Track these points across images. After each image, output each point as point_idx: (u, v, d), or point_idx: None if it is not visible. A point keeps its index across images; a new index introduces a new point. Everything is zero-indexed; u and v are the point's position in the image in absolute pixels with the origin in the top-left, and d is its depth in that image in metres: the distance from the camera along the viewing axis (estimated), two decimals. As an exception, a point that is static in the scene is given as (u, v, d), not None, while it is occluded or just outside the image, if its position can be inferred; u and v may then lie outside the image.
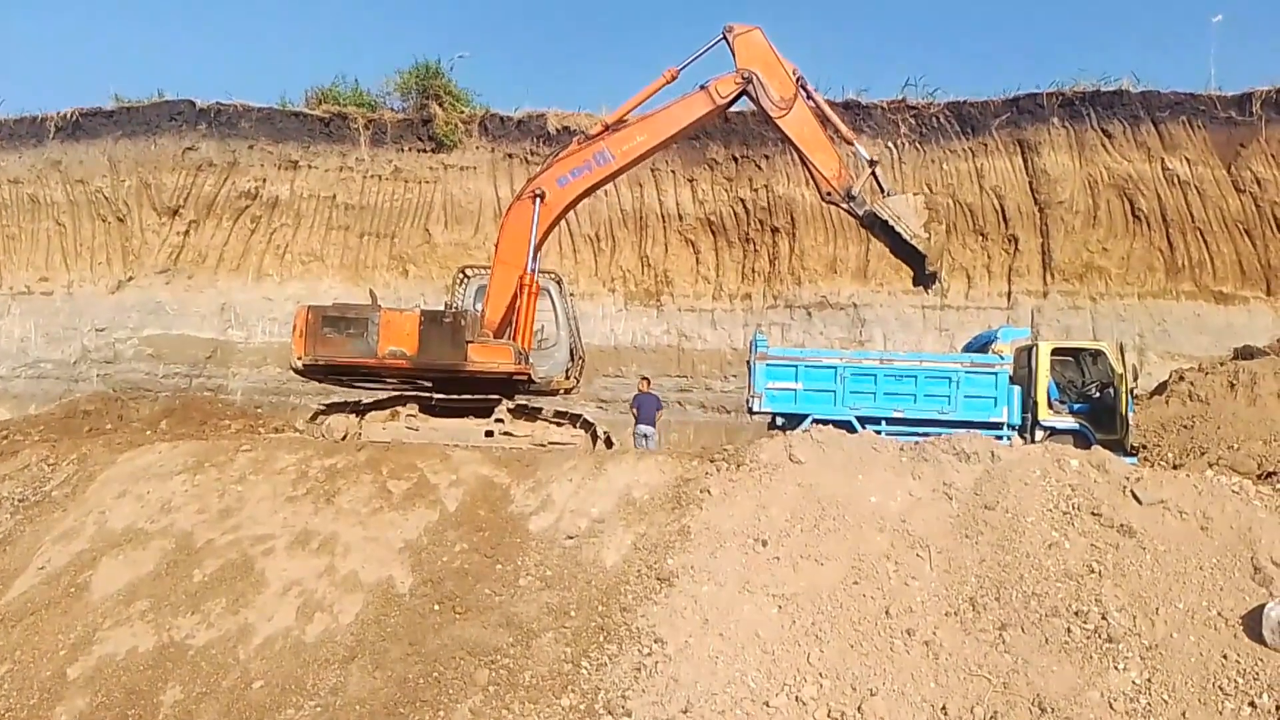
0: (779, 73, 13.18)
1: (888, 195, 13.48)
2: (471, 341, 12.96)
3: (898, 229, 13.18)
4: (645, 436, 15.51)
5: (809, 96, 13.39)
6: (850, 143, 13.74)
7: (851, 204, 13.32)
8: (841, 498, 9.40)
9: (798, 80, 13.22)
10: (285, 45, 63.95)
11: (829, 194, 13.37)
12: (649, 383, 17.31)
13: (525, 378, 13.19)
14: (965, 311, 19.99)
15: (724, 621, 8.26)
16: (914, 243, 13.17)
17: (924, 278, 13.50)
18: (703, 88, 13.39)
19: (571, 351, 14.47)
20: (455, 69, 23.79)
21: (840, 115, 14.71)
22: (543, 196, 13.45)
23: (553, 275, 14.73)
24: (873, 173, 13.51)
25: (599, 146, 13.51)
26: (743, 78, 13.20)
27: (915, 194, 14.08)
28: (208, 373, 21.92)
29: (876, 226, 13.47)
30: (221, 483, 11.20)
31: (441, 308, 14.27)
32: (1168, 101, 19.36)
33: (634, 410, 16.02)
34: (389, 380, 13.99)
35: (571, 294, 15.44)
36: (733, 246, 21.67)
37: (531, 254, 13.39)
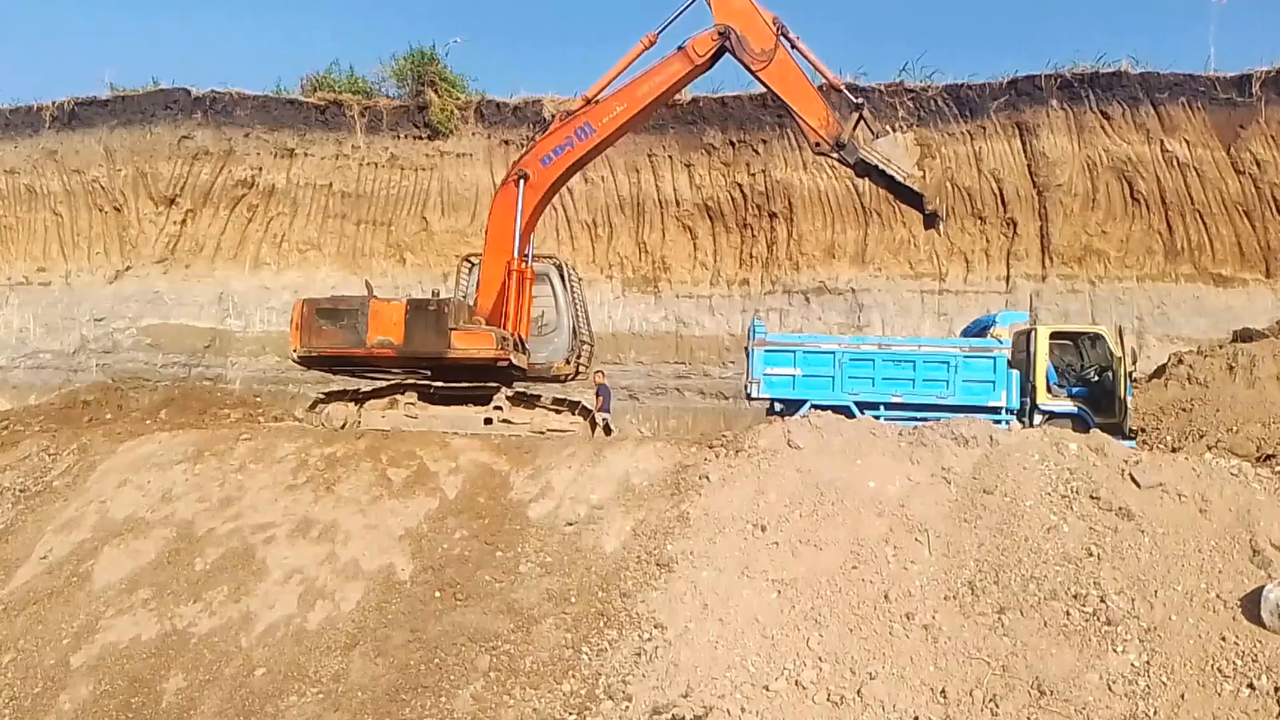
0: (757, 24, 12.65)
1: (876, 138, 12.87)
2: (455, 328, 12.95)
3: (889, 172, 12.59)
4: (607, 423, 15.70)
5: (792, 45, 12.82)
6: (838, 89, 13.20)
7: (842, 153, 12.73)
8: (840, 483, 9.42)
9: (778, 29, 12.67)
10: (280, 32, 63.61)
11: (818, 145, 12.83)
12: (604, 374, 17.74)
13: (507, 363, 13.09)
14: (963, 295, 19.95)
15: (723, 606, 8.30)
16: (908, 183, 12.56)
17: (929, 219, 12.97)
18: (681, 48, 12.94)
19: (575, 336, 14.36)
20: (450, 55, 23.61)
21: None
22: (526, 178, 13.33)
23: (553, 260, 14.66)
24: (861, 116, 12.84)
25: (579, 121, 13.27)
26: (719, 33, 12.69)
27: (904, 132, 13.37)
28: (206, 362, 21.90)
29: (872, 173, 12.89)
30: (222, 472, 11.23)
31: (428, 296, 14.27)
32: (1167, 83, 19.26)
33: (599, 399, 16.34)
34: (379, 369, 14.03)
35: (579, 279, 15.35)
36: (730, 232, 21.60)
37: (518, 238, 13.29)
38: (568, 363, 14.30)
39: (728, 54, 12.90)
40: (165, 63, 69.23)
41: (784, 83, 12.83)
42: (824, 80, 13.26)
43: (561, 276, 14.36)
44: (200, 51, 55.28)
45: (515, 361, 13.12)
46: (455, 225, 22.22)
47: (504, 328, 13.19)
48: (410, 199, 22.60)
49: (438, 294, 14.04)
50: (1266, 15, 36.71)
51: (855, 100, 13.17)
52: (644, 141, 21.43)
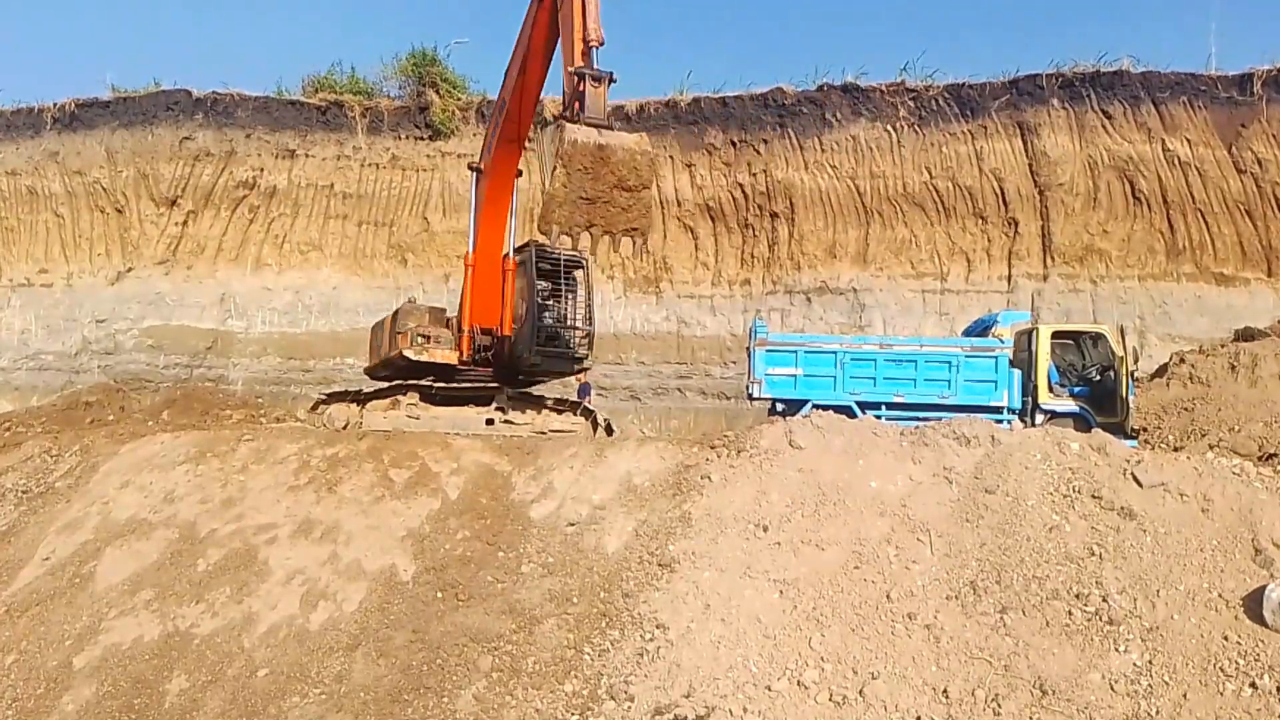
0: None
1: (577, 120, 10.23)
2: (399, 331, 13.68)
3: (544, 168, 10.46)
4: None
5: None
6: (596, 45, 10.60)
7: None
8: (842, 483, 9.41)
9: None
10: (281, 33, 63.68)
11: (560, 116, 10.73)
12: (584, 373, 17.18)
13: (402, 361, 13.49)
14: (965, 295, 19.96)
15: (725, 607, 8.29)
16: (545, 192, 10.33)
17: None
18: None
19: (534, 324, 13.21)
20: (452, 56, 23.70)
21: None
22: (480, 172, 13.89)
23: (531, 245, 13.52)
24: (583, 89, 10.27)
25: (499, 100, 13.62)
26: None
27: (561, 124, 10.15)
28: (208, 363, 21.93)
29: None
30: (224, 473, 11.23)
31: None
32: (1168, 82, 19.28)
33: (580, 396, 16.68)
34: (387, 375, 14.58)
35: (586, 258, 13.65)
36: (731, 232, 21.61)
37: (472, 231, 13.69)
38: (531, 352, 13.21)
39: None
40: (166, 64, 69.43)
41: (563, 28, 11.02)
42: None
43: (532, 262, 13.35)
44: (201, 52, 55.57)
45: (416, 357, 13.32)
46: (456, 226, 22.20)
47: (460, 323, 13.66)
48: (412, 200, 22.63)
49: (413, 300, 14.52)
50: (1267, 14, 36.68)
51: (576, 68, 10.47)
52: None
